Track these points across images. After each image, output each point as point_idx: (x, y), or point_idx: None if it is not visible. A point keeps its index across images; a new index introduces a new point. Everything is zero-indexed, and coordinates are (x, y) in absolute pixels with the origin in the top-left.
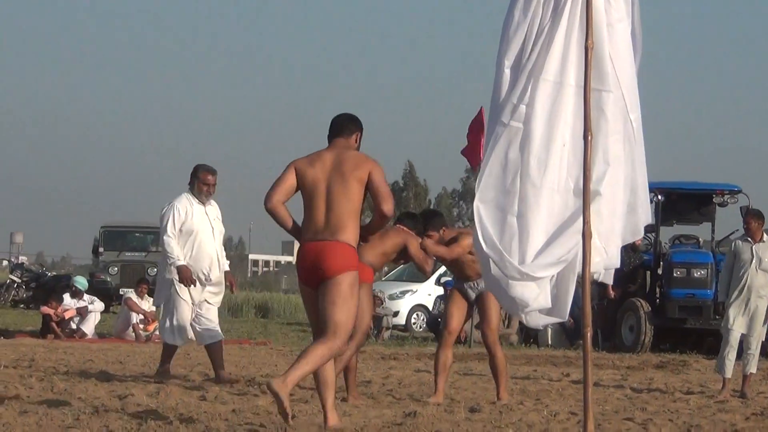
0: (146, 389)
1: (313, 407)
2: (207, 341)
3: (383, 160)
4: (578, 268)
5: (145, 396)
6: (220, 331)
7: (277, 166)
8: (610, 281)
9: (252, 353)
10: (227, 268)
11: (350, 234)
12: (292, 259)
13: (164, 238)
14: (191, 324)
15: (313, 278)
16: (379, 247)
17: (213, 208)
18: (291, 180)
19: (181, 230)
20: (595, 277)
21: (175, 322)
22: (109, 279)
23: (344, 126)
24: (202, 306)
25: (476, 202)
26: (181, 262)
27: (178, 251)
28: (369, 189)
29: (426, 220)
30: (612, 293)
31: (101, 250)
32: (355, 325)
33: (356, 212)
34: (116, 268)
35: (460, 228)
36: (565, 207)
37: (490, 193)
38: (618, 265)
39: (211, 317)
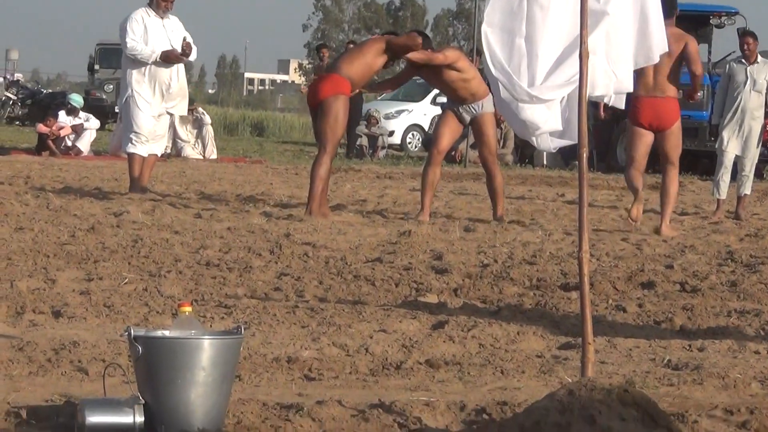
0: (141, 206)
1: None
2: (152, 150)
3: None
4: (588, 90)
5: (140, 213)
6: (164, 143)
7: None
8: (621, 106)
9: (247, 171)
10: (194, 56)
11: None
12: (288, 77)
13: (128, 43)
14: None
15: None
16: (359, 58)
17: (171, 22)
18: None
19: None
20: (606, 101)
21: (134, 131)
22: (104, 96)
23: None
24: (159, 118)
25: (483, 26)
26: (157, 53)
27: (144, 48)
28: None
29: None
30: (603, 114)
31: (97, 67)
32: (327, 137)
33: None
34: (112, 86)
35: (446, 47)
36: (573, 27)
37: (496, 15)
38: (630, 89)
39: (160, 130)
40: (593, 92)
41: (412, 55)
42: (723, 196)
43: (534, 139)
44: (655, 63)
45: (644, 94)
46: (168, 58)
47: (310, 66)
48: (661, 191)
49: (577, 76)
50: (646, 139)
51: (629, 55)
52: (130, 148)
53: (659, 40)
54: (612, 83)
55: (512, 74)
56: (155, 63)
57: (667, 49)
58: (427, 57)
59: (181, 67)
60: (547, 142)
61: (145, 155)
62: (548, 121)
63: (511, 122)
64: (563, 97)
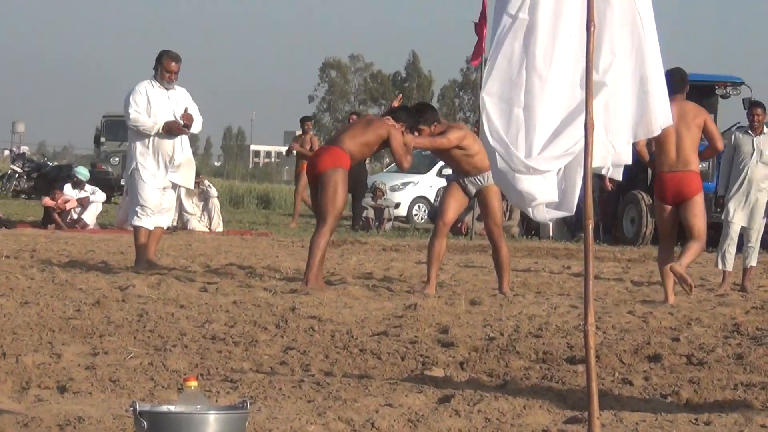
0: (147, 280)
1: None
2: (158, 224)
3: (387, 50)
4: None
5: (146, 287)
6: (170, 216)
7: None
8: (619, 177)
9: (253, 244)
10: (199, 128)
11: None
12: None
13: (131, 115)
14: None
15: None
16: (361, 136)
17: (177, 93)
18: None
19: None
20: (603, 172)
21: (140, 204)
22: (110, 169)
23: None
24: (165, 191)
25: (482, 95)
26: (160, 124)
27: (147, 119)
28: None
29: (418, 114)
30: (609, 186)
31: (103, 140)
32: (327, 210)
33: None
34: (118, 158)
35: (453, 123)
36: (571, 99)
37: (495, 85)
38: (629, 161)
39: (167, 203)
40: (593, 163)
41: (417, 144)
42: (729, 268)
43: (530, 210)
44: (655, 135)
45: (667, 170)
46: (170, 130)
47: (316, 137)
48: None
49: (574, 148)
50: (672, 214)
51: (628, 128)
52: (136, 221)
53: (662, 113)
54: (610, 155)
55: (509, 144)
56: (159, 135)
57: (671, 122)
58: (432, 145)
59: (185, 138)
60: (543, 214)
61: (151, 228)
62: (544, 192)
63: (508, 193)
64: (560, 168)
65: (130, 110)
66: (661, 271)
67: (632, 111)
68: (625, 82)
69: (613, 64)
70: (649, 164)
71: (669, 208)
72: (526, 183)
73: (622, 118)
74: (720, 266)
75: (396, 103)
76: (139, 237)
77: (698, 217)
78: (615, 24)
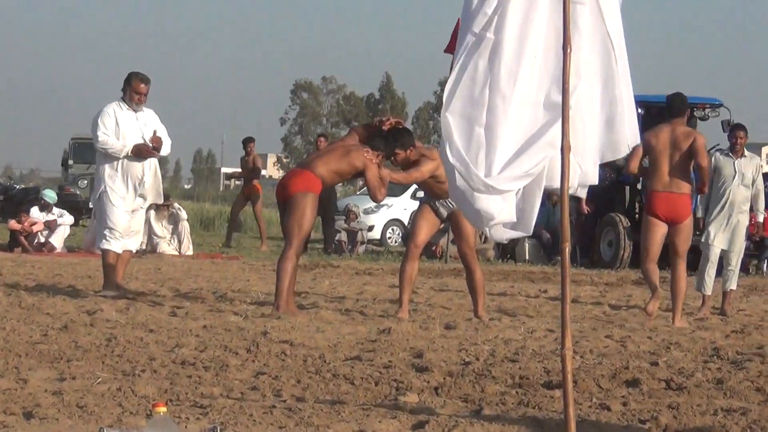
0: (115, 305)
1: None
2: (126, 246)
3: (360, 72)
4: (545, 182)
5: (114, 311)
6: (138, 239)
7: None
8: (583, 196)
9: (224, 268)
10: (168, 150)
11: None
12: (265, 172)
13: (99, 137)
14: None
15: None
16: (335, 164)
17: (145, 115)
18: None
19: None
20: (570, 191)
21: (108, 227)
22: (78, 192)
23: None
24: (133, 213)
25: (443, 113)
26: (128, 147)
27: (116, 142)
28: None
29: (394, 139)
30: (585, 209)
31: (71, 162)
32: (293, 232)
33: None
34: (86, 181)
35: (429, 147)
36: (534, 120)
37: (458, 103)
38: (595, 182)
39: (135, 226)
40: (553, 183)
41: (393, 180)
42: (708, 291)
43: (487, 229)
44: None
45: (660, 189)
46: (140, 152)
47: (287, 160)
48: (672, 286)
49: (535, 169)
50: (661, 230)
51: (595, 148)
52: (104, 245)
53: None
54: (577, 175)
55: (470, 163)
56: (127, 157)
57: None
58: (406, 181)
59: (154, 161)
60: (501, 233)
61: (119, 251)
62: (503, 211)
63: (466, 211)
64: (519, 189)
65: (99, 133)
66: (644, 272)
67: (599, 132)
68: (593, 104)
69: (579, 87)
70: (641, 172)
71: (659, 224)
72: (484, 202)
73: (589, 139)
74: (700, 290)
75: (387, 126)
76: (107, 260)
77: (685, 241)
78: (582, 47)
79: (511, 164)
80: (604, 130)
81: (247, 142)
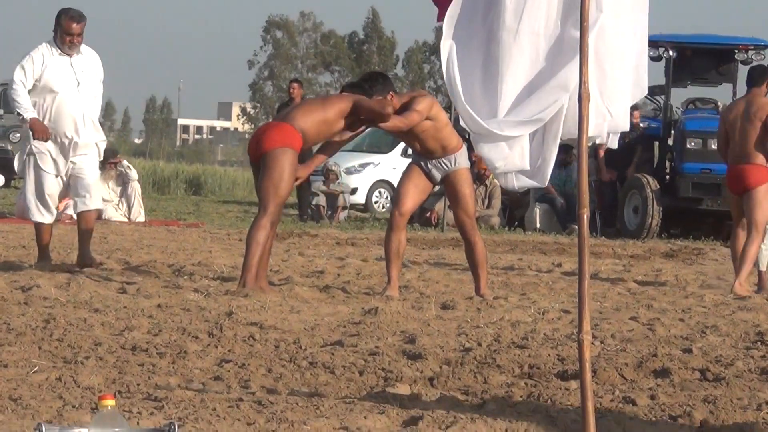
0: (54, 280)
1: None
2: (78, 208)
3: (342, 6)
4: (565, 135)
5: (53, 288)
6: (93, 197)
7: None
8: (615, 146)
9: (181, 237)
10: (102, 138)
11: None
12: (229, 124)
13: (12, 86)
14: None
15: None
16: (319, 112)
17: (83, 58)
18: None
19: (36, 85)
20: (598, 141)
21: (35, 195)
22: (9, 147)
23: None
24: (75, 169)
25: (443, 41)
26: (31, 114)
27: (26, 100)
28: None
29: (370, 85)
30: (606, 175)
31: (0, 112)
32: (269, 196)
33: None
34: (18, 134)
35: (411, 92)
36: (543, 56)
37: (458, 33)
38: (627, 127)
39: (85, 180)
40: (573, 135)
41: (386, 126)
42: (764, 267)
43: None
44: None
45: (732, 162)
46: (35, 128)
47: (254, 111)
48: (741, 251)
49: (543, 114)
50: (739, 205)
51: (626, 90)
52: (35, 216)
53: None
54: (606, 122)
55: (467, 106)
56: (57, 110)
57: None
58: (403, 124)
59: (90, 110)
60: (510, 180)
61: (49, 222)
62: (508, 159)
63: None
64: (533, 134)
65: (14, 81)
66: (733, 252)
67: (630, 71)
68: (623, 39)
69: (603, 21)
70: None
71: (737, 199)
72: (485, 149)
73: (620, 80)
74: (756, 265)
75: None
76: (39, 233)
77: (755, 209)
78: None
79: (517, 107)
80: (633, 69)
81: (292, 82)
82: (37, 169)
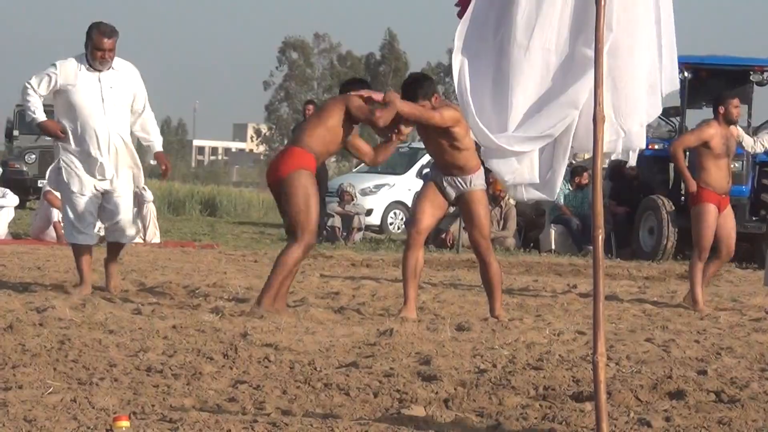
0: (69, 301)
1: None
2: (110, 238)
3: (360, 28)
4: (574, 141)
5: (68, 309)
6: (127, 234)
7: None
8: (633, 163)
9: (197, 258)
10: (159, 148)
11: None
12: (245, 145)
13: (24, 91)
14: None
15: None
16: (319, 125)
17: (113, 74)
18: None
19: (59, 100)
20: (613, 157)
21: (71, 215)
22: (25, 168)
23: None
24: (106, 195)
25: (455, 56)
26: (41, 117)
27: (34, 104)
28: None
29: (414, 88)
30: (615, 208)
31: (16, 133)
32: (300, 222)
33: None
34: (34, 156)
35: (449, 102)
36: (556, 71)
37: (469, 46)
38: (643, 145)
39: (117, 209)
40: (583, 147)
41: (404, 110)
42: None
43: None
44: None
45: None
46: (47, 130)
47: (269, 132)
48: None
49: (553, 129)
50: None
51: (641, 108)
52: (69, 237)
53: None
54: (620, 139)
55: (478, 121)
56: (81, 129)
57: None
58: (420, 114)
59: (114, 129)
60: (520, 192)
61: (88, 243)
62: (517, 172)
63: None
64: (544, 147)
65: (27, 85)
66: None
67: (644, 90)
68: (637, 57)
69: (617, 38)
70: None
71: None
72: (495, 163)
73: (634, 98)
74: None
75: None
76: (76, 256)
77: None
78: None
79: (526, 123)
80: (649, 86)
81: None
82: (65, 186)
